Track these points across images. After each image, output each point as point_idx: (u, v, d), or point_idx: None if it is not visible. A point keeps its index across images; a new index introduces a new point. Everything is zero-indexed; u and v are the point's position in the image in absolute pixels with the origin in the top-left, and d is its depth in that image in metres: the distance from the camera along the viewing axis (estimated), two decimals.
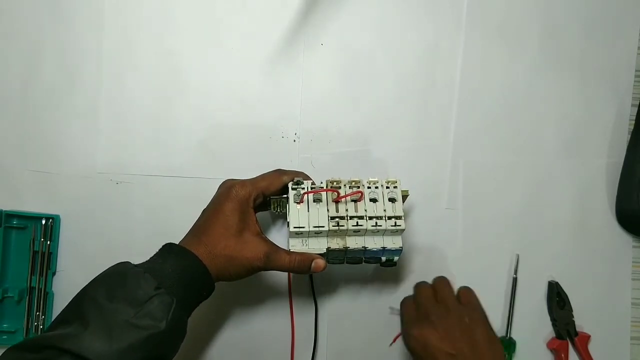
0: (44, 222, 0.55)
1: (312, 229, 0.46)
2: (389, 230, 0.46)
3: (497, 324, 0.57)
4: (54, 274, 0.56)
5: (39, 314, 0.55)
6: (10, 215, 0.55)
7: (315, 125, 0.58)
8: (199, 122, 0.57)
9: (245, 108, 0.58)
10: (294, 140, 0.58)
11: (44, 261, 0.55)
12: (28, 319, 0.55)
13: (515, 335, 0.57)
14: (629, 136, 0.59)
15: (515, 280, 0.57)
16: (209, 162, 0.57)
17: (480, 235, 0.58)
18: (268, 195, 0.48)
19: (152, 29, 0.58)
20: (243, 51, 0.58)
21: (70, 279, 0.56)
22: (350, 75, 0.58)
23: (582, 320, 0.57)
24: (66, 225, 0.56)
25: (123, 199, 0.57)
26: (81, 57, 0.57)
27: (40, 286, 0.55)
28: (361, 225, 0.46)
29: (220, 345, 0.56)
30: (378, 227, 0.46)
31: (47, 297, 0.55)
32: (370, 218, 0.46)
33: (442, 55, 0.59)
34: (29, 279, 0.55)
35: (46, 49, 0.57)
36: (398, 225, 0.46)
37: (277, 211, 0.51)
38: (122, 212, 0.57)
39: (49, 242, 0.55)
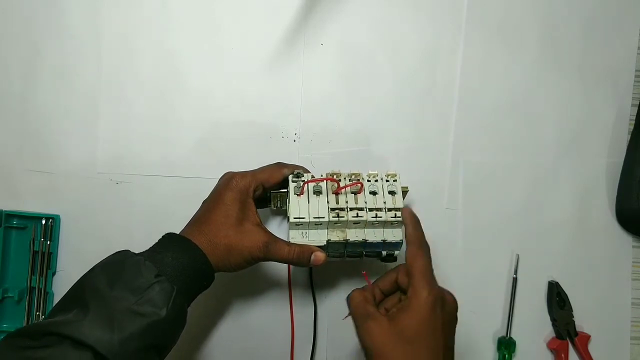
0: (44, 222, 0.55)
1: (312, 219, 0.46)
2: (389, 222, 0.46)
3: (497, 324, 0.57)
4: (54, 274, 0.56)
5: (39, 314, 0.55)
6: (10, 215, 0.55)
7: (315, 125, 0.58)
8: (199, 122, 0.57)
9: (245, 108, 0.58)
10: (294, 140, 0.58)
11: (44, 261, 0.55)
12: (28, 319, 0.55)
13: (515, 335, 0.57)
14: (629, 136, 0.59)
15: (515, 280, 0.57)
16: (209, 162, 0.57)
17: (480, 235, 0.58)
18: (268, 188, 0.49)
19: (152, 29, 0.58)
20: (243, 51, 0.58)
21: (70, 279, 0.55)
22: (350, 75, 0.58)
23: (582, 320, 0.57)
24: (66, 225, 0.56)
25: (123, 199, 0.57)
26: (81, 57, 0.57)
27: (40, 286, 0.55)
28: (361, 217, 0.46)
29: (220, 338, 0.56)
30: (378, 219, 0.46)
31: (47, 297, 0.55)
32: (371, 210, 0.46)
33: (442, 55, 0.59)
34: (29, 279, 0.55)
35: (46, 49, 0.57)
36: (398, 217, 0.46)
37: (277, 206, 0.51)
38: (122, 212, 0.57)
39: (49, 242, 0.55)
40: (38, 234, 0.55)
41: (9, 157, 0.57)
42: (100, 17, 0.57)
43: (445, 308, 0.40)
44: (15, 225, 0.55)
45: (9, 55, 0.57)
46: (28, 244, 0.56)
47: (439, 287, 0.41)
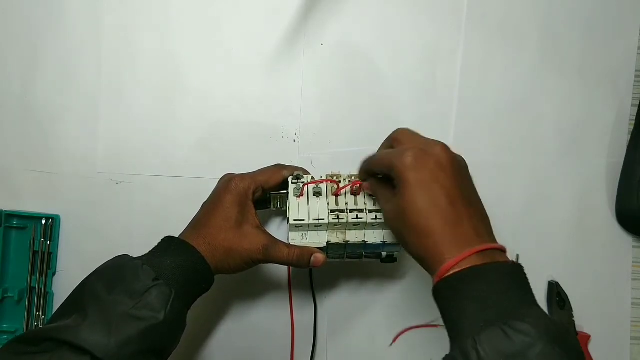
0: (44, 222, 0.55)
1: (312, 221, 0.46)
2: None
3: None
4: (54, 274, 0.56)
5: (39, 314, 0.55)
6: (10, 215, 0.55)
7: (315, 125, 0.58)
8: (198, 122, 0.57)
9: (245, 108, 0.58)
10: (294, 140, 0.58)
11: (44, 261, 0.55)
12: (28, 319, 0.55)
13: None
14: (629, 136, 0.59)
15: None
16: (209, 162, 0.57)
17: None
18: (267, 190, 0.49)
19: (152, 29, 0.58)
20: (243, 51, 0.58)
21: (70, 279, 0.56)
22: (350, 75, 0.58)
23: (582, 320, 0.57)
24: (66, 225, 0.56)
25: (123, 199, 0.57)
26: (81, 57, 0.57)
27: (40, 286, 0.55)
28: (361, 218, 0.46)
29: (220, 339, 0.57)
30: (378, 220, 0.46)
31: (47, 297, 0.55)
32: (370, 211, 0.46)
33: (442, 55, 0.59)
34: (29, 279, 0.55)
35: (46, 49, 0.57)
36: None
37: (277, 207, 0.51)
38: (122, 212, 0.57)
39: (49, 242, 0.55)
40: (38, 234, 0.55)
41: (9, 157, 0.57)
42: (100, 17, 0.57)
43: (427, 169, 0.37)
44: (15, 225, 0.55)
45: (9, 55, 0.57)
46: (28, 244, 0.56)
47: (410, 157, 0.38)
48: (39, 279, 0.55)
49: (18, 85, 0.57)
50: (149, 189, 0.57)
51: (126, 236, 0.57)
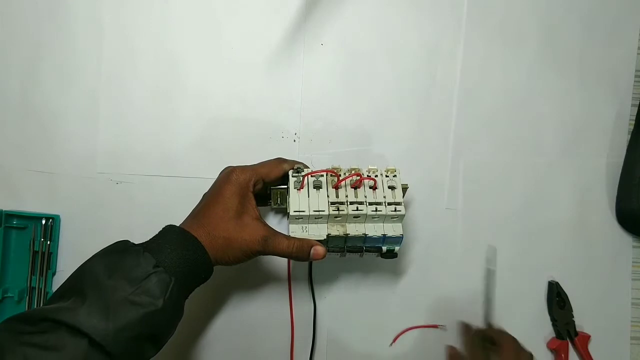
0: (44, 222, 0.55)
1: (312, 213, 0.46)
2: (389, 216, 0.46)
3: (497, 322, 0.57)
4: (54, 274, 0.56)
5: None
6: (10, 215, 0.55)
7: (315, 125, 0.58)
8: (199, 122, 0.57)
9: (245, 108, 0.58)
10: (294, 140, 0.58)
11: (44, 261, 0.55)
12: None
13: (515, 335, 0.56)
14: (629, 136, 0.59)
15: (491, 272, 0.57)
16: (209, 162, 0.57)
17: (480, 234, 0.58)
18: (268, 182, 0.49)
19: (152, 29, 0.58)
20: (243, 51, 0.58)
21: None
22: (350, 75, 0.58)
23: (582, 320, 0.57)
24: (66, 225, 0.57)
25: (123, 199, 0.57)
26: (81, 57, 0.57)
27: (40, 286, 0.55)
28: (361, 210, 0.46)
29: (218, 333, 0.57)
30: (378, 213, 0.46)
31: (47, 297, 0.55)
32: (371, 204, 0.46)
33: (442, 55, 0.59)
34: (29, 279, 0.56)
35: (46, 49, 0.57)
36: (398, 211, 0.46)
37: (277, 204, 0.51)
38: (122, 212, 0.57)
39: (49, 242, 0.55)
40: (38, 234, 0.55)
41: (9, 157, 0.57)
42: (101, 16, 0.57)
43: None
44: (15, 225, 0.55)
45: (10, 54, 0.57)
46: (28, 244, 0.56)
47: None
48: (39, 279, 0.55)
49: (18, 85, 0.57)
50: (149, 189, 0.57)
51: (126, 236, 0.55)
